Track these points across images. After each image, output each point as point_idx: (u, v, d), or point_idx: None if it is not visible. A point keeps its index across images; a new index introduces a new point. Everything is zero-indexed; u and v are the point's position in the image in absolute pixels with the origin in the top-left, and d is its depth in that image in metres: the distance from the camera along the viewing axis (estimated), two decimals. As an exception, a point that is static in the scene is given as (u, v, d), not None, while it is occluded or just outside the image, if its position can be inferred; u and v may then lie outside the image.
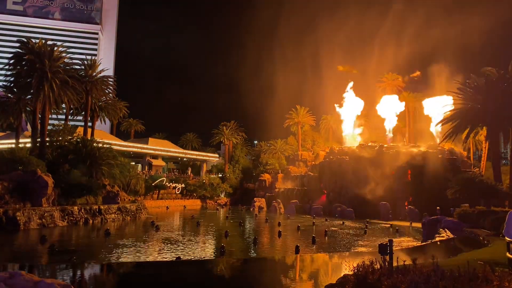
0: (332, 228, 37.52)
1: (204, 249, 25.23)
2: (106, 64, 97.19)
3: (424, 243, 24.72)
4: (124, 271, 15.83)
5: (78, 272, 14.87)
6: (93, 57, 63.28)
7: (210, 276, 14.77)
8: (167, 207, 61.20)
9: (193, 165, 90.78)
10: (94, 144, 44.78)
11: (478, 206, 31.96)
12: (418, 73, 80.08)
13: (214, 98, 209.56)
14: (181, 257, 19.70)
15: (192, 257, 21.02)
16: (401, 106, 73.40)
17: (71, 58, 50.00)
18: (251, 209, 60.57)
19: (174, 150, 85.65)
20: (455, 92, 43.76)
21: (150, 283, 13.38)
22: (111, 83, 57.07)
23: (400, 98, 77.45)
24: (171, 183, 70.92)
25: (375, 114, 74.47)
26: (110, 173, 44.40)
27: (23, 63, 44.88)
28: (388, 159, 53.04)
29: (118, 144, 67.06)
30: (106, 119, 64.24)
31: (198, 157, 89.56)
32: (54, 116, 54.70)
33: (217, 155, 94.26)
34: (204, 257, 21.65)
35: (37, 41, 46.67)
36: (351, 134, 74.69)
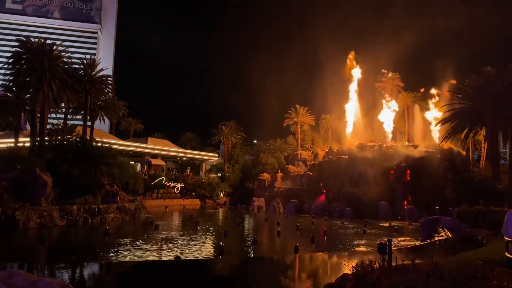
0: (331, 227, 37.53)
1: (203, 248, 25.22)
2: (105, 63, 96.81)
3: (423, 243, 24.73)
4: (123, 270, 15.83)
5: (78, 272, 14.85)
6: (93, 56, 63.20)
7: (210, 276, 14.76)
8: (166, 206, 61.15)
9: (193, 164, 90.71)
10: (93, 144, 44.73)
11: (477, 205, 32.01)
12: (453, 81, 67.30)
13: (213, 98, 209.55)
14: (180, 257, 19.69)
15: (192, 257, 21.02)
16: (400, 108, 73.33)
17: (71, 57, 49.92)
18: (251, 208, 60.52)
19: (173, 150, 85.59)
20: (455, 91, 43.82)
21: (149, 283, 13.37)
22: (110, 82, 56.98)
23: (400, 97, 77.44)
24: (170, 183, 70.85)
25: (375, 114, 74.37)
26: (109, 173, 44.35)
27: (22, 62, 44.84)
28: (387, 159, 53.05)
29: (117, 144, 66.99)
30: (105, 119, 64.13)
31: (197, 156, 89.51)
32: (53, 115, 54.64)
33: (216, 155, 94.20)
34: (203, 257, 21.65)
35: (36, 40, 46.64)
36: (353, 134, 74.46)
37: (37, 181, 34.29)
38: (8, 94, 48.32)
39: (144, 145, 77.61)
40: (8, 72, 45.98)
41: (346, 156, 58.72)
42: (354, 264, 9.30)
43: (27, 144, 44.83)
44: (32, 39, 47.01)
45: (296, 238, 29.70)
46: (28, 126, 60.26)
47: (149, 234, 29.48)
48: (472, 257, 13.17)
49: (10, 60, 45.23)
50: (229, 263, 18.25)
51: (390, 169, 51.48)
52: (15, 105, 47.27)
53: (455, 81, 60.15)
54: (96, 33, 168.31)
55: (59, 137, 46.42)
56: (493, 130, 39.78)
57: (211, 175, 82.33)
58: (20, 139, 49.35)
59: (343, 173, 55.90)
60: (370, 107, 75.81)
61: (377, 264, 9.44)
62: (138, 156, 78.03)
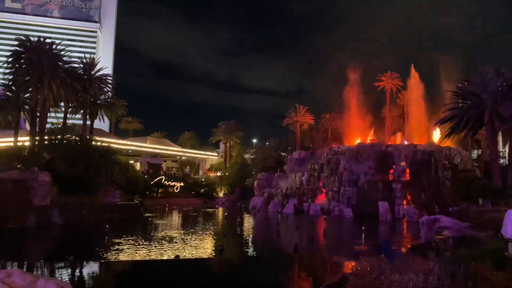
0: (331, 227, 37.54)
1: (202, 248, 25.21)
2: (105, 63, 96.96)
3: (422, 242, 24.76)
4: (123, 269, 15.83)
5: (77, 271, 14.85)
6: (92, 55, 63.19)
7: (209, 275, 14.76)
8: (165, 205, 61.17)
9: (192, 163, 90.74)
10: (93, 143, 44.69)
11: (477, 205, 32.03)
12: None
13: (213, 97, 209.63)
14: (180, 256, 19.68)
15: (191, 256, 21.00)
16: (399, 107, 73.28)
17: (70, 56, 49.79)
18: (250, 207, 60.53)
19: (172, 149, 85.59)
20: (455, 90, 43.81)
21: (149, 282, 13.37)
22: (110, 81, 56.90)
23: (399, 97, 77.41)
24: (169, 182, 70.84)
25: (375, 113, 74.41)
26: (109, 172, 44.31)
27: (22, 61, 44.73)
28: (386, 158, 53.04)
29: (117, 143, 66.97)
30: (105, 118, 64.03)
31: (197, 155, 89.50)
32: (52, 114, 54.54)
33: (216, 154, 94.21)
34: (202, 256, 21.64)
35: (36, 39, 46.54)
36: (352, 133, 74.39)
37: (36, 180, 34.26)
38: (8, 93, 48.27)
39: (143, 144, 77.60)
40: (7, 71, 45.89)
41: (346, 155, 58.72)
42: (353, 264, 9.30)
43: (27, 143, 44.75)
44: (32, 38, 46.88)
45: (296, 237, 29.72)
46: (27, 125, 60.19)
47: (149, 233, 29.48)
48: (472, 257, 13.18)
49: (10, 59, 45.12)
50: (229, 262, 18.25)
51: (389, 168, 51.51)
52: (14, 104, 47.22)
53: (455, 81, 60.13)
54: (95, 32, 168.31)
55: (59, 136, 46.37)
56: (492, 129, 39.74)
57: (211, 174, 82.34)
58: (19, 138, 49.27)
59: (342, 173, 55.93)
60: (370, 106, 75.84)
61: (376, 263, 9.44)
62: (137, 155, 78.04)
